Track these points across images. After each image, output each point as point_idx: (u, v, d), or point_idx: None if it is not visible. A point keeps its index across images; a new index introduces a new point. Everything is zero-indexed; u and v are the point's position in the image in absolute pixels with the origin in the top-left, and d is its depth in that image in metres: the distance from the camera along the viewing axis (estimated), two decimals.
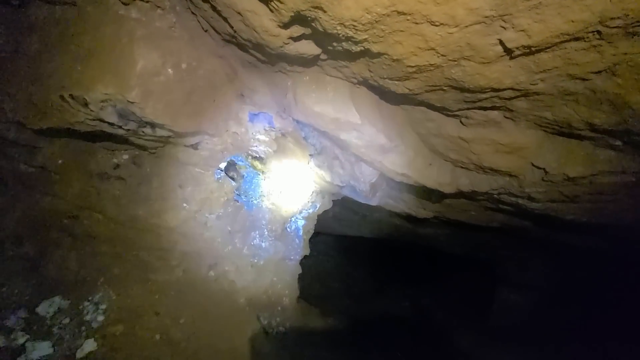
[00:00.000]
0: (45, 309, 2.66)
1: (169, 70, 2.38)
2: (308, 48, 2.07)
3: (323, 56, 2.17)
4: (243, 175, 3.89)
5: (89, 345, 2.57)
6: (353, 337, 4.55)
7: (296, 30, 1.90)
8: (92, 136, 2.74)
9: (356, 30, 1.67)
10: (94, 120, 2.46)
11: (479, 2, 1.41)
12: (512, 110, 2.13)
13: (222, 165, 3.57)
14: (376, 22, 1.59)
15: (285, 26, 1.85)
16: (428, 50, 1.71)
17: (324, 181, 3.58)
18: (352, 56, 2.02)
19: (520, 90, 1.88)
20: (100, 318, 2.75)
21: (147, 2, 2.25)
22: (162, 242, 3.23)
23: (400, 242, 6.34)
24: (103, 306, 2.82)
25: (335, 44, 1.90)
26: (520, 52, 1.61)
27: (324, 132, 2.81)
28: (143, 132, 2.61)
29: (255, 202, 3.93)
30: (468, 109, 2.23)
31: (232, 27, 2.09)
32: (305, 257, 4.43)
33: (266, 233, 3.99)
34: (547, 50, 1.58)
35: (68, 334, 2.60)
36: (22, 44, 2.42)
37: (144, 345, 2.77)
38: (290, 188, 3.97)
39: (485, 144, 2.48)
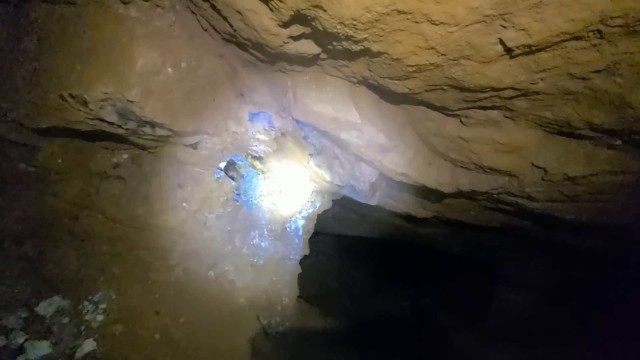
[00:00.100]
0: (44, 308, 2.66)
1: (169, 69, 2.38)
2: (308, 47, 2.07)
3: (323, 55, 2.17)
4: (243, 175, 3.89)
5: (89, 345, 2.56)
6: (352, 336, 4.55)
7: (296, 29, 1.90)
8: (92, 136, 2.73)
9: (356, 29, 1.67)
10: (93, 119, 2.45)
11: (479, 1, 1.40)
12: (512, 110, 2.13)
13: (222, 164, 3.56)
14: (376, 21, 1.59)
15: (285, 25, 1.85)
16: (428, 49, 1.71)
17: (323, 181, 3.58)
18: (352, 55, 2.02)
19: (521, 89, 1.88)
20: (100, 317, 2.74)
21: (147, 1, 2.25)
22: (161, 242, 3.23)
23: (399, 242, 6.34)
24: (103, 306, 2.81)
25: (335, 43, 1.89)
26: (521, 52, 1.61)
27: (323, 132, 2.81)
28: (143, 131, 2.60)
29: (255, 201, 3.93)
30: (468, 108, 2.23)
31: (231, 26, 2.09)
32: (305, 256, 4.43)
33: (266, 233, 3.99)
34: (548, 49, 1.58)
35: (67, 334, 2.59)
36: (21, 43, 2.41)
37: (144, 344, 2.77)
38: (290, 188, 3.97)
39: (485, 144, 2.48)
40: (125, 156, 3.03)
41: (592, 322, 4.92)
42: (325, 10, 1.60)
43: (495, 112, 2.21)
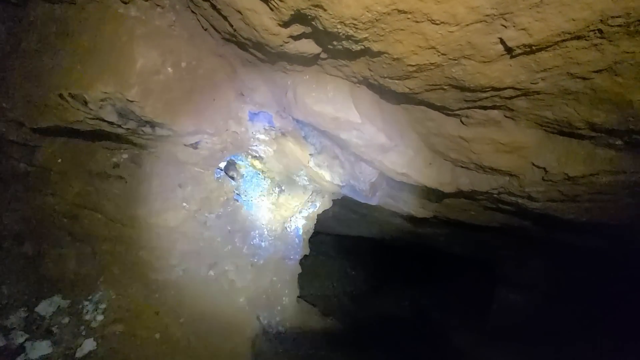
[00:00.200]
0: (44, 308, 2.66)
1: (169, 69, 2.38)
2: (308, 47, 2.07)
3: (323, 55, 2.17)
4: (243, 175, 3.89)
5: (89, 345, 2.56)
6: (352, 336, 4.55)
7: (296, 29, 1.90)
8: (92, 135, 2.73)
9: (356, 28, 1.66)
10: (93, 119, 2.45)
11: (480, 1, 1.40)
12: (512, 110, 2.12)
13: (222, 164, 3.56)
14: (376, 20, 1.58)
15: (285, 25, 1.85)
16: (428, 49, 1.71)
17: (323, 181, 3.57)
18: (352, 55, 2.02)
19: (521, 89, 1.88)
20: (100, 317, 2.74)
21: (147, 0, 2.25)
22: (161, 242, 3.22)
23: (399, 242, 6.34)
24: (103, 305, 2.81)
25: (335, 42, 1.89)
26: (521, 51, 1.61)
27: (324, 132, 2.81)
28: (143, 131, 2.60)
29: (255, 201, 3.93)
30: (468, 108, 2.23)
31: (231, 26, 2.09)
32: (305, 256, 4.43)
33: (266, 232, 3.99)
34: (548, 49, 1.58)
35: (67, 334, 2.59)
36: (21, 42, 2.41)
37: (144, 344, 2.77)
38: (290, 187, 3.97)
39: (485, 144, 2.47)
40: (125, 156, 3.02)
41: (592, 322, 4.92)
42: (325, 10, 1.59)
43: (495, 111, 2.21)
